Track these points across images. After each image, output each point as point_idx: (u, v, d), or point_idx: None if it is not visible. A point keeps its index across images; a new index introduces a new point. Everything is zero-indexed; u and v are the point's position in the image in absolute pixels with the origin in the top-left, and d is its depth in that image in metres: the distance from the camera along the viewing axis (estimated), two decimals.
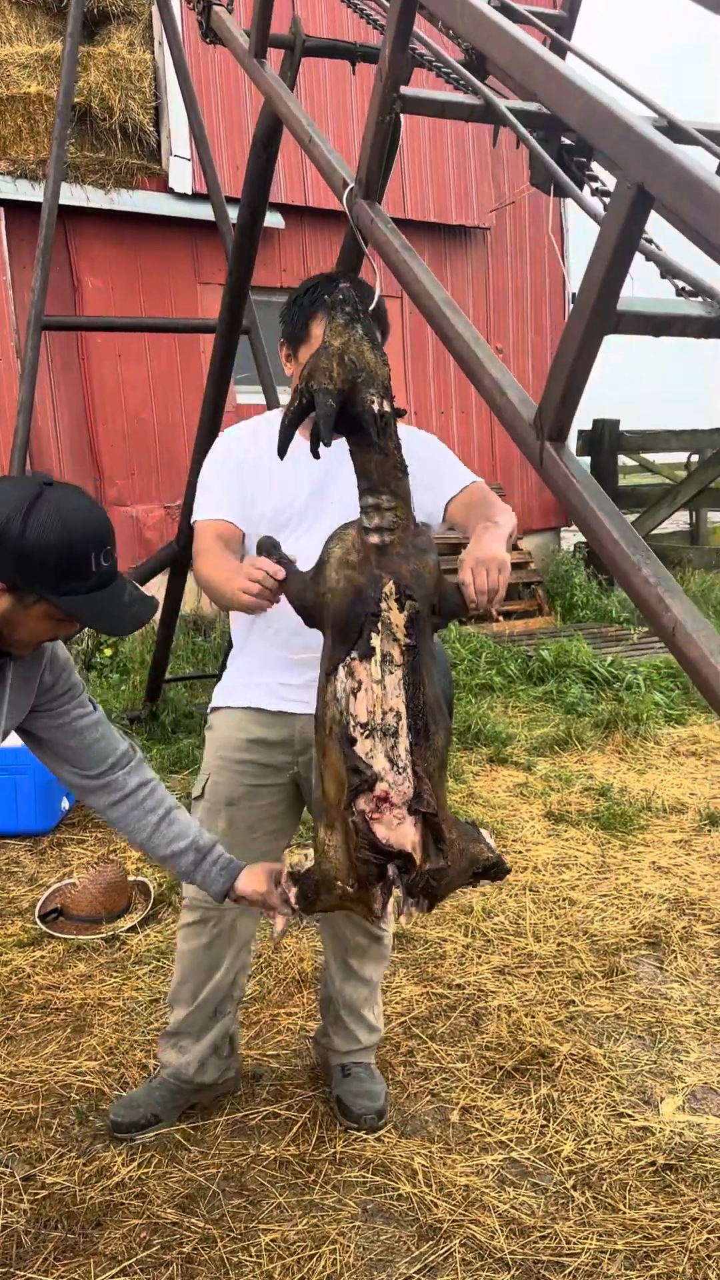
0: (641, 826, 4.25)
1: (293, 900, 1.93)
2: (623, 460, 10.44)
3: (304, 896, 1.96)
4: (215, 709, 2.43)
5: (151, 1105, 2.47)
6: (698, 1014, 2.90)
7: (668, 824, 4.29)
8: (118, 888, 3.49)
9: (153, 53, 7.37)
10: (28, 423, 4.97)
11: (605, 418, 9.44)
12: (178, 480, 7.74)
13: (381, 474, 1.85)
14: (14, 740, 1.96)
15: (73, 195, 6.75)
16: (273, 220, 7.69)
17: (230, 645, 2.50)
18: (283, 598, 1.91)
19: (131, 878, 3.65)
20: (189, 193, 7.36)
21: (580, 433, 9.71)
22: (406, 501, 1.86)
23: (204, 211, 7.41)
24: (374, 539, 1.90)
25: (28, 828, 4.13)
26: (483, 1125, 2.46)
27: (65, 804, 4.29)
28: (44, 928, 3.39)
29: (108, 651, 6.60)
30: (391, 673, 1.84)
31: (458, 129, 8.53)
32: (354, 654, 1.89)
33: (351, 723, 1.89)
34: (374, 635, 1.86)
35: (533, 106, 1.73)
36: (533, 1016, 2.87)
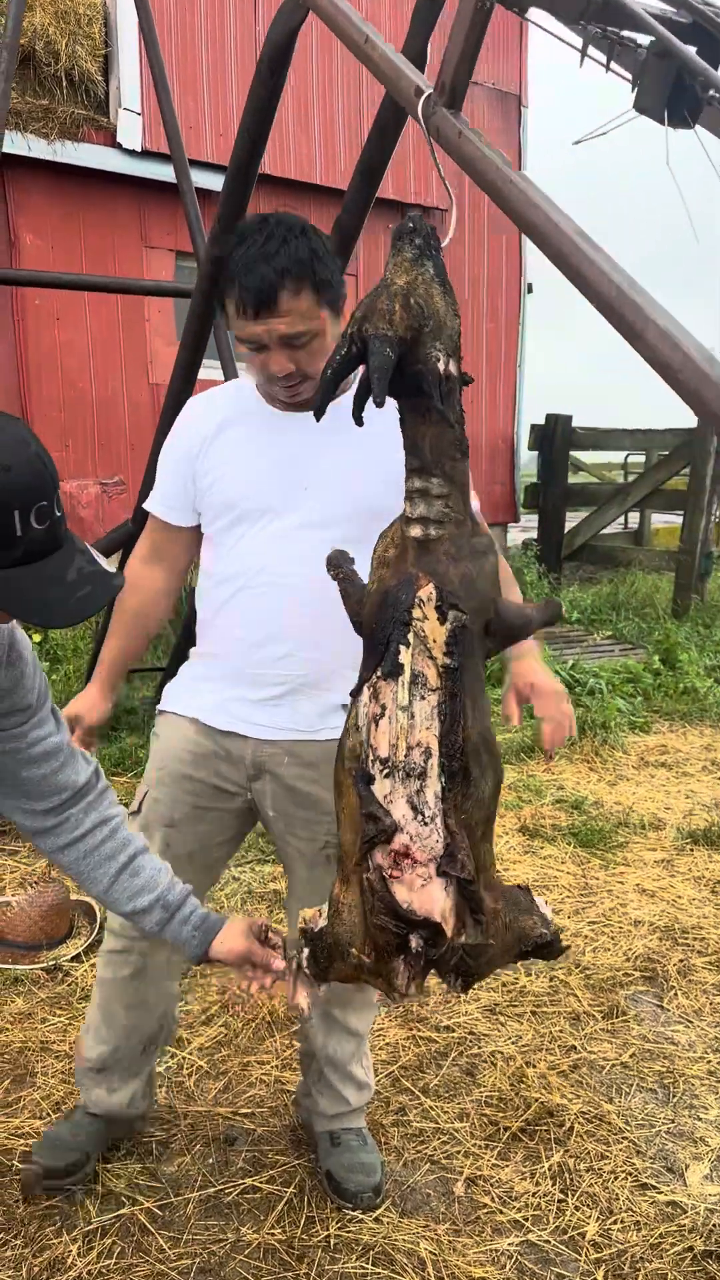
0: (620, 844, 4.00)
1: (304, 965, 1.59)
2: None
3: (316, 961, 1.63)
4: (162, 712, 2.08)
5: (81, 1144, 2.16)
6: (710, 1062, 2.65)
7: (647, 841, 4.06)
8: (59, 910, 3.10)
9: None
10: None
11: (558, 413, 9.24)
12: (116, 455, 7.29)
13: (436, 451, 1.51)
14: None
15: (13, 144, 6.24)
16: (221, 182, 7.27)
17: (187, 631, 2.16)
18: None
19: (74, 896, 3.26)
20: (138, 149, 6.89)
21: (532, 427, 9.50)
22: (463, 490, 1.53)
23: (154, 170, 6.96)
24: (415, 532, 1.56)
25: None
26: (493, 1200, 2.16)
27: None
28: None
29: (36, 636, 6.13)
30: (423, 698, 1.50)
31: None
32: (379, 672, 1.56)
33: (370, 756, 1.55)
34: (402, 649, 1.52)
35: (668, 8, 1.43)
36: (534, 1066, 2.58)
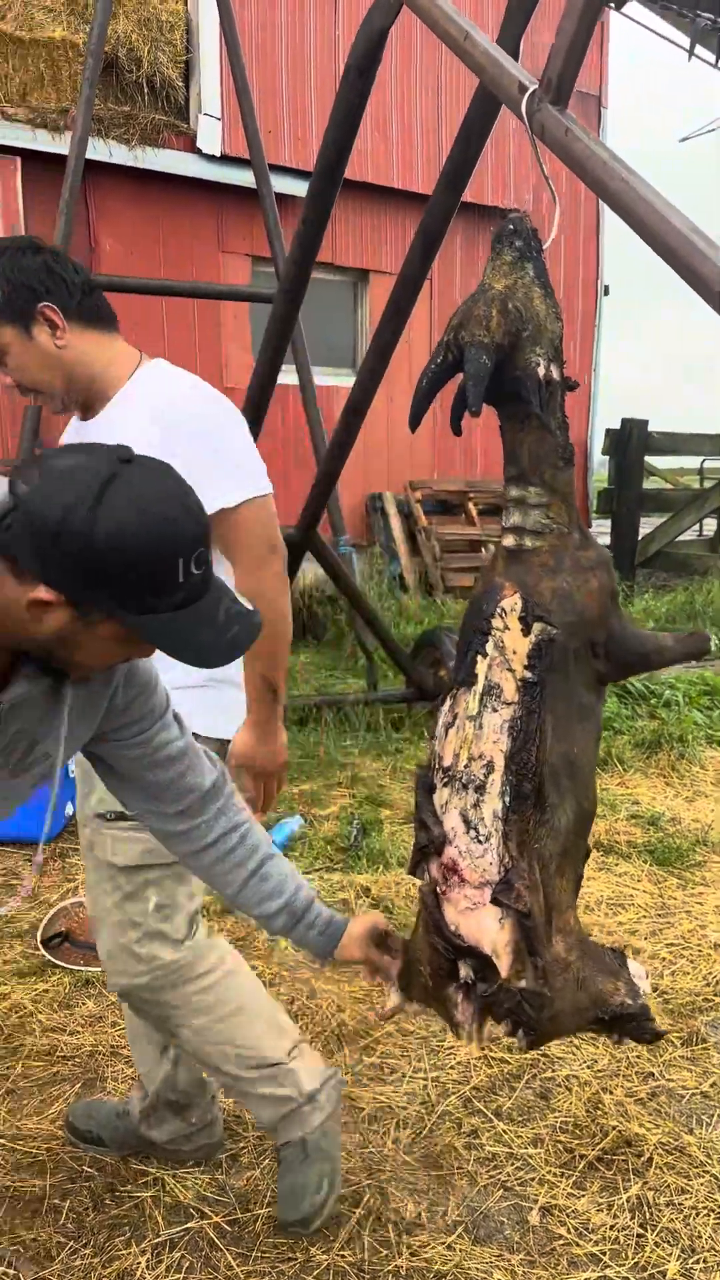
0: (698, 863, 3.89)
1: (394, 973, 1.56)
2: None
3: (402, 973, 1.59)
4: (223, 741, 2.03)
5: (104, 1129, 2.25)
6: None
7: None
8: None
9: (185, 3, 6.93)
10: None
11: (634, 417, 9.08)
12: None
13: (535, 459, 1.47)
14: None
15: (95, 150, 6.32)
16: (299, 187, 7.28)
17: None
18: None
19: None
20: (217, 154, 6.93)
21: (607, 432, 9.35)
22: (566, 500, 1.47)
23: (232, 175, 7.00)
24: (508, 541, 1.52)
25: (29, 833, 3.73)
26: (568, 1231, 2.09)
27: (70, 809, 3.90)
28: (47, 955, 3.00)
29: None
30: (494, 710, 1.44)
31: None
32: (457, 680, 1.51)
33: (436, 765, 1.51)
34: (479, 659, 1.47)
35: None
36: (610, 1093, 2.51)
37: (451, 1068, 2.60)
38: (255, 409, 3.32)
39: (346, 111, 2.39)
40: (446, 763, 1.47)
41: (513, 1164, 2.28)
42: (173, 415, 1.80)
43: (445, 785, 1.47)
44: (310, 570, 6.58)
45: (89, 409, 1.90)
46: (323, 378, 7.61)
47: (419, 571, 8.24)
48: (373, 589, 7.50)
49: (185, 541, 1.15)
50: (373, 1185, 2.19)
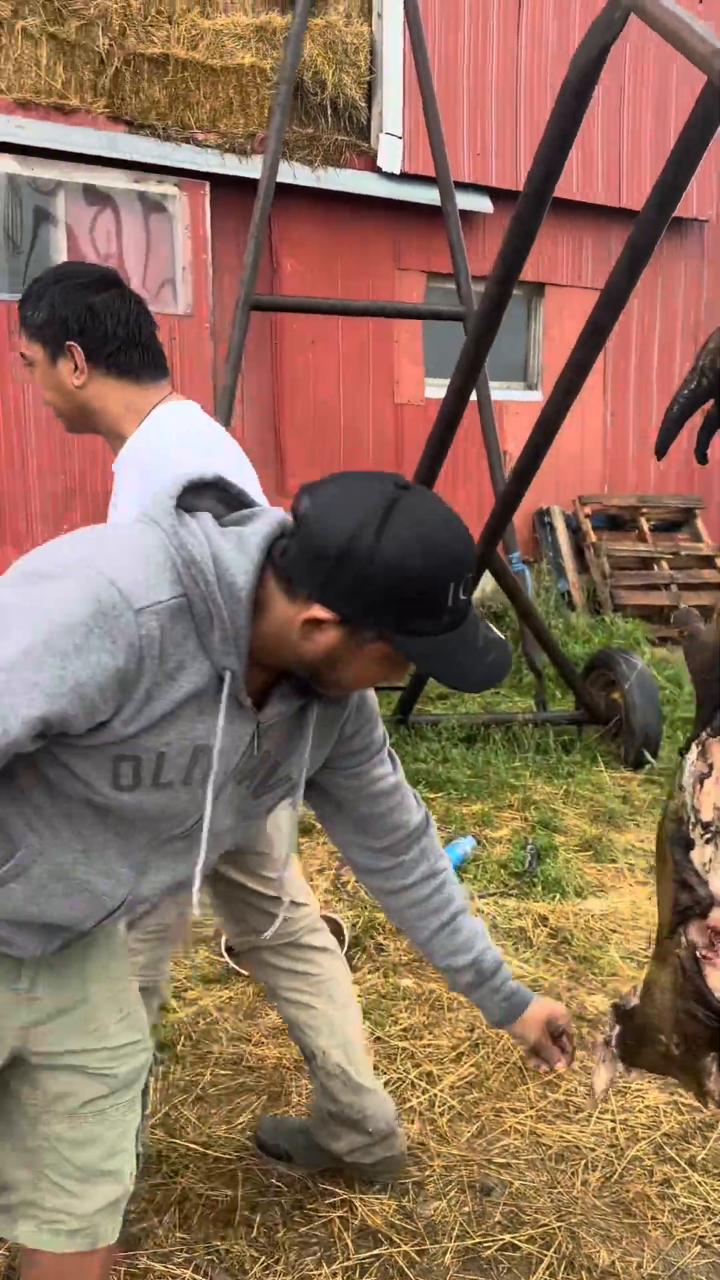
0: None
1: (613, 1043, 1.51)
2: None
3: (624, 1043, 1.53)
4: None
5: (291, 1145, 2.31)
6: None
7: None
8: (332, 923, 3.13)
9: (370, 25, 7.02)
10: (229, 408, 4.69)
11: None
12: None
13: None
14: None
15: (280, 172, 6.47)
16: (478, 203, 7.27)
17: None
18: None
19: (322, 913, 3.29)
20: (397, 173, 7.00)
21: None
22: None
23: (410, 193, 7.05)
24: None
25: None
26: None
27: None
28: (231, 963, 3.07)
29: None
30: None
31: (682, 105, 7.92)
32: (709, 728, 1.44)
33: (692, 820, 1.44)
34: None
35: None
36: None
37: (640, 1111, 2.52)
38: (446, 427, 3.32)
39: (559, 133, 2.36)
40: (707, 817, 1.41)
41: (710, 1219, 2.19)
42: (142, 457, 1.84)
43: (708, 842, 1.41)
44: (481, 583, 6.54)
45: (113, 444, 1.94)
46: (496, 392, 7.58)
47: (587, 589, 8.08)
48: (540, 606, 7.39)
49: (457, 566, 1.18)
50: (564, 1228, 2.14)
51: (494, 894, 3.64)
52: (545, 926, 3.39)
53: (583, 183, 7.68)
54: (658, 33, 1.66)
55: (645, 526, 8.31)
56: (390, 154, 6.96)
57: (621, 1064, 1.55)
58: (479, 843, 4.05)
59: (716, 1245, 2.12)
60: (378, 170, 7.00)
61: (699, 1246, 2.12)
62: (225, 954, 3.10)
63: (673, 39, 1.57)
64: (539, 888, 3.67)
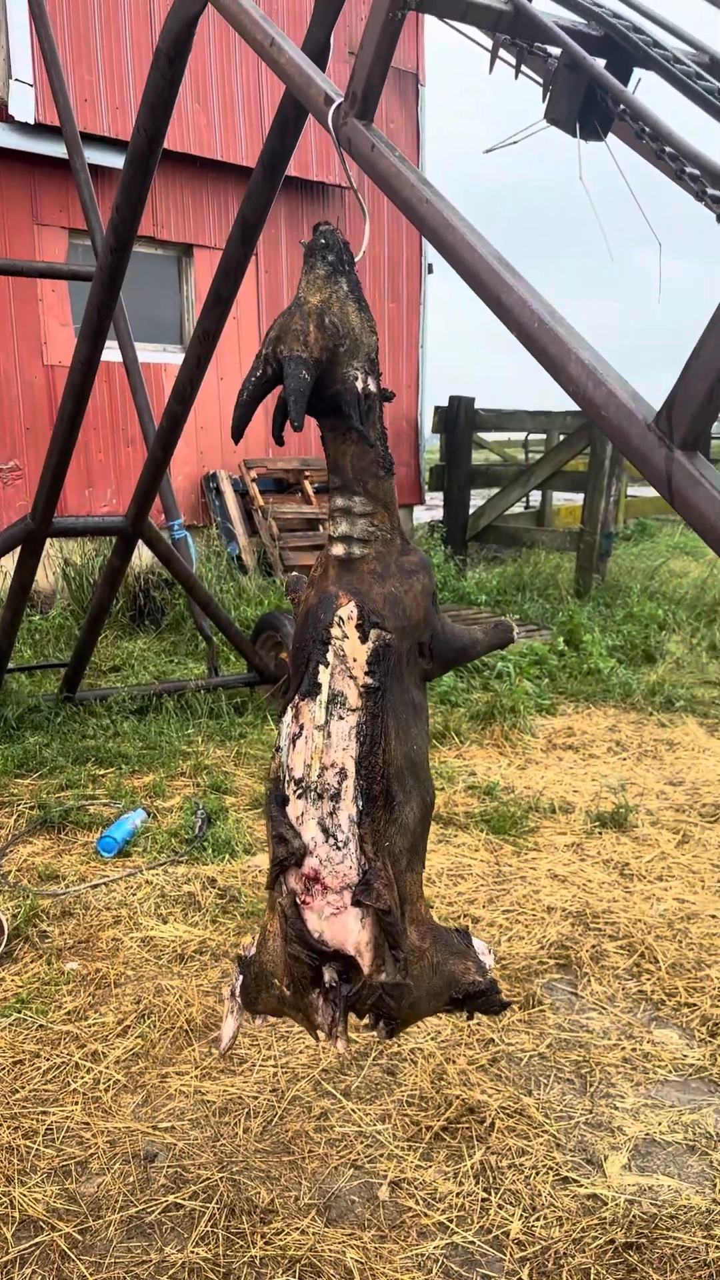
0: (531, 829, 4.06)
1: (237, 993, 1.57)
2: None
3: (246, 990, 1.60)
4: None
5: None
6: (624, 1049, 2.71)
7: (557, 825, 4.12)
8: None
9: None
10: None
11: (461, 394, 9.28)
12: (10, 439, 7.06)
13: (358, 470, 1.50)
14: None
15: None
16: (115, 160, 7.06)
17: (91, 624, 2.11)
18: None
19: None
20: (31, 123, 6.65)
21: (436, 409, 9.52)
22: (388, 508, 1.51)
23: (46, 146, 6.74)
24: (337, 550, 1.55)
25: None
26: (417, 1203, 2.18)
27: None
28: None
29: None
30: (341, 718, 1.49)
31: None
32: (299, 691, 1.54)
33: (286, 777, 1.54)
34: (321, 668, 1.51)
35: (578, 20, 1.40)
36: (454, 1062, 2.61)
37: (301, 1052, 2.64)
38: (77, 395, 3.22)
39: (157, 97, 2.34)
40: (298, 774, 1.48)
41: (362, 1142, 2.35)
42: None
43: (300, 797, 1.49)
44: (146, 552, 6.46)
45: None
46: (149, 354, 7.46)
47: (258, 552, 8.22)
48: (211, 571, 7.43)
49: None
50: (225, 1178, 2.22)
51: (163, 863, 3.65)
52: (214, 888, 3.46)
53: (225, 144, 7.66)
54: (223, 17, 1.68)
55: (309, 489, 8.54)
56: (22, 102, 6.61)
57: (247, 1011, 1.63)
58: (150, 815, 4.04)
59: (368, 1166, 2.29)
60: (9, 120, 6.62)
61: (352, 1170, 2.27)
62: None
63: (235, 24, 1.60)
64: (209, 851, 3.73)
